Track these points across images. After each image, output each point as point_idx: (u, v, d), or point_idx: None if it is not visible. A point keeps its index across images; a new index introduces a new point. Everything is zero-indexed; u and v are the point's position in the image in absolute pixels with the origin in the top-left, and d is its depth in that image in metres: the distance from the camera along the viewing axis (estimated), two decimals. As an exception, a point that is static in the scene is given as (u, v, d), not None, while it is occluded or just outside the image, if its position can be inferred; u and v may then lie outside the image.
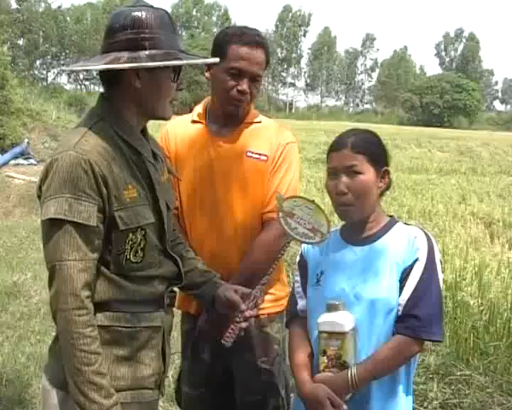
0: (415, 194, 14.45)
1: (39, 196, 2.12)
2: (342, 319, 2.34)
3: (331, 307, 2.36)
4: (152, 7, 2.20)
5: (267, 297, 2.99)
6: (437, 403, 4.42)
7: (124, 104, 2.21)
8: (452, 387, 4.64)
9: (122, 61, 2.10)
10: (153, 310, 2.26)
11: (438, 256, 2.45)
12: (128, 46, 2.13)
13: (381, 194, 2.55)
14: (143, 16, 2.14)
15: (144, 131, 2.32)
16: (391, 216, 2.59)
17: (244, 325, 2.49)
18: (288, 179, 2.93)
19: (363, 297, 2.40)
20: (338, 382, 2.34)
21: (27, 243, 9.02)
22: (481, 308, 5.46)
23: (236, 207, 2.92)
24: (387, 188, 2.58)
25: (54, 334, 2.21)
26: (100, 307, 2.11)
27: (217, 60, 2.42)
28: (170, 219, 2.37)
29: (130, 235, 2.14)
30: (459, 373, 4.75)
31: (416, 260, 2.39)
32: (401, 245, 2.43)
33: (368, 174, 2.42)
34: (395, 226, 2.51)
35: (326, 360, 2.37)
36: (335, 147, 2.49)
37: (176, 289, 2.61)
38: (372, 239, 2.48)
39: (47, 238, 2.05)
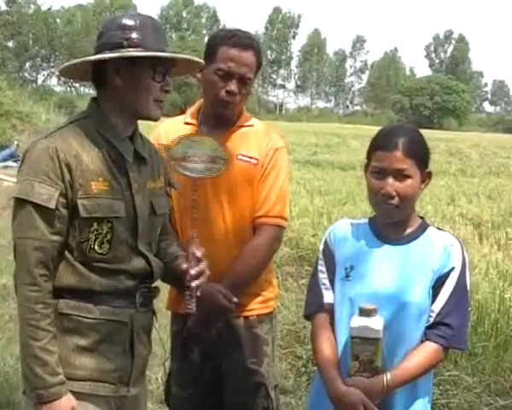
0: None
1: None
2: (376, 325, 2.31)
3: (364, 312, 2.33)
4: (138, 14, 2.34)
5: (257, 299, 3.02)
6: (425, 403, 4.43)
7: (109, 104, 2.31)
8: (440, 387, 4.65)
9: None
10: (120, 305, 2.29)
11: (468, 265, 2.46)
12: (110, 46, 2.25)
13: None
14: (127, 20, 2.27)
15: (134, 135, 2.38)
16: (421, 217, 2.57)
17: (194, 284, 2.41)
18: (277, 186, 2.95)
19: (395, 299, 2.39)
20: (373, 387, 2.33)
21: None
22: (469, 309, 5.47)
23: (227, 209, 2.93)
24: None
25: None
26: (61, 293, 2.19)
27: (185, 57, 2.42)
28: (154, 222, 2.42)
29: (95, 225, 2.22)
30: (447, 374, 4.76)
31: (453, 268, 2.40)
32: (438, 252, 2.42)
33: (415, 178, 2.40)
34: (428, 230, 2.50)
35: (358, 365, 2.35)
36: (386, 146, 2.41)
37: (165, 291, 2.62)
38: (407, 240, 2.47)
39: (13, 217, 2.19)
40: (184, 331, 2.94)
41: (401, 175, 2.37)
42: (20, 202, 2.15)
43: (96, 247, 2.23)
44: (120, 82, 2.26)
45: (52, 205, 2.13)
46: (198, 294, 2.43)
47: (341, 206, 11.31)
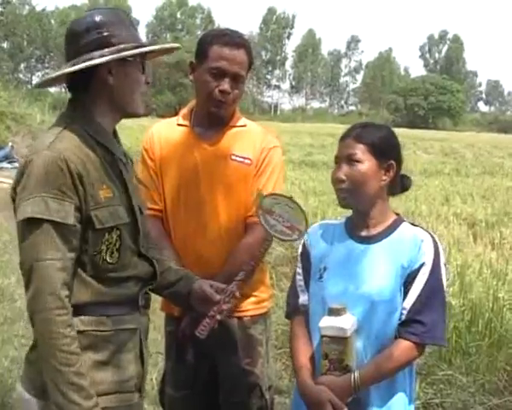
0: (398, 195, 14.47)
1: (14, 199, 2.11)
2: (344, 324, 2.33)
3: (333, 311, 2.36)
4: (109, 8, 2.28)
5: (250, 299, 3.02)
6: (419, 403, 4.44)
7: (95, 105, 2.21)
8: (434, 387, 4.66)
9: (80, 63, 2.12)
10: (128, 312, 2.24)
11: (443, 260, 2.46)
12: (96, 46, 2.15)
13: (393, 193, 2.56)
14: (104, 17, 2.19)
15: (114, 134, 2.32)
16: (397, 214, 2.59)
17: (219, 317, 2.46)
18: (271, 184, 2.94)
19: (366, 297, 2.40)
20: (341, 385, 2.35)
21: (11, 247, 8.92)
22: (463, 309, 5.48)
23: (220, 209, 2.94)
24: (404, 189, 2.61)
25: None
26: (75, 311, 2.08)
27: (167, 46, 2.39)
28: (143, 221, 2.35)
29: (106, 235, 2.13)
30: (441, 373, 4.78)
31: (423, 264, 2.40)
32: (407, 248, 2.43)
33: (367, 164, 2.43)
34: (401, 226, 2.51)
35: (328, 364, 2.37)
36: (341, 136, 2.53)
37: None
38: (378, 238, 2.48)
39: (23, 238, 2.03)
40: (179, 332, 2.95)
41: (351, 160, 2.44)
42: (32, 222, 1.99)
43: (108, 257, 2.14)
44: (113, 80, 2.18)
45: (70, 221, 2.02)
46: (216, 326, 2.48)
47: (336, 206, 11.31)
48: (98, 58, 2.13)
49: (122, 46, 2.16)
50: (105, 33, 2.16)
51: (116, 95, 2.22)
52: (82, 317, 2.11)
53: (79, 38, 2.18)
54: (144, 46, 2.22)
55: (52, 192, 2.00)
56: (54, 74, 2.24)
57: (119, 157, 2.26)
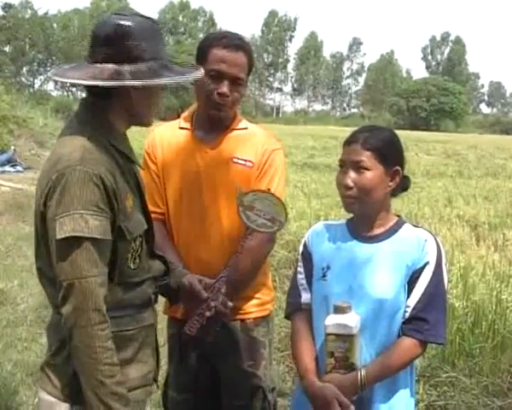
0: (401, 197, 14.35)
1: (42, 212, 2.08)
2: (350, 322, 2.35)
3: (339, 309, 2.37)
4: (140, 16, 2.19)
5: (253, 302, 3.03)
6: (423, 405, 4.45)
7: (116, 113, 2.20)
8: (438, 389, 4.66)
9: (107, 75, 2.08)
10: (145, 309, 2.28)
11: (444, 261, 2.48)
12: (113, 58, 2.10)
13: (394, 194, 2.57)
14: (130, 26, 2.12)
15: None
16: (398, 216, 2.61)
17: (208, 313, 2.56)
18: (273, 186, 2.92)
19: (370, 296, 2.42)
20: (347, 383, 2.37)
21: (14, 251, 8.94)
22: (466, 311, 5.46)
23: (223, 213, 2.93)
24: (404, 189, 2.61)
25: (42, 341, 2.21)
26: None
27: (199, 75, 2.34)
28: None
29: (132, 243, 2.16)
30: (445, 375, 4.78)
31: (427, 263, 2.43)
32: (411, 247, 2.45)
33: (375, 171, 2.44)
34: (404, 227, 2.54)
35: (333, 362, 2.39)
36: (348, 141, 2.51)
37: None
38: (381, 238, 2.50)
39: (62, 256, 2.01)
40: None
41: (359, 167, 2.44)
42: (72, 239, 1.98)
43: (131, 264, 2.18)
44: (135, 93, 2.16)
45: (109, 236, 2.04)
46: (204, 322, 2.60)
47: (338, 209, 11.28)
48: (110, 73, 2.09)
49: (152, 64, 2.13)
50: (125, 46, 2.11)
51: (136, 105, 2.21)
52: (109, 320, 2.11)
53: (99, 43, 2.15)
54: (161, 74, 2.15)
55: (91, 209, 2.00)
56: (91, 82, 2.13)
57: (134, 162, 2.28)
